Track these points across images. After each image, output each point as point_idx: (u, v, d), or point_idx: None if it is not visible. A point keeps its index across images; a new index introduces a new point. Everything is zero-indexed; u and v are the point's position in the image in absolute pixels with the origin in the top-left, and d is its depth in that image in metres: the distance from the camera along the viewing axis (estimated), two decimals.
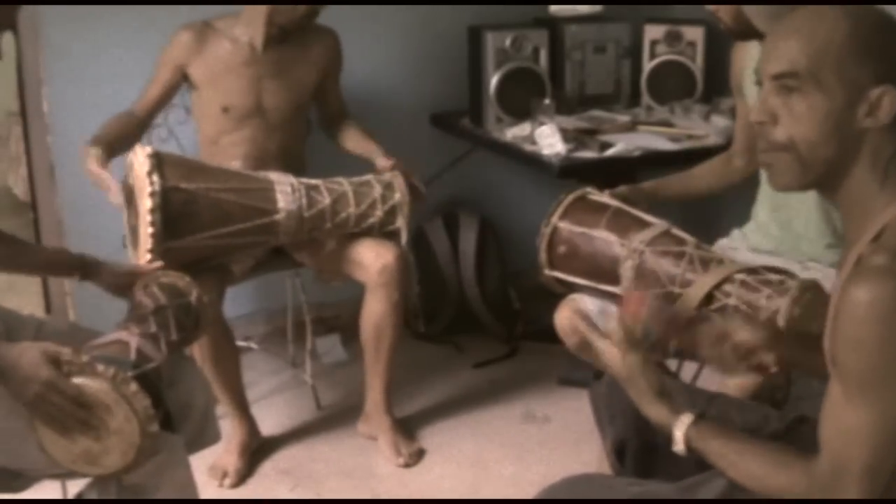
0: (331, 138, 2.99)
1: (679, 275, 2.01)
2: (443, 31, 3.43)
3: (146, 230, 2.30)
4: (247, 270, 2.75)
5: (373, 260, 2.64)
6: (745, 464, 1.33)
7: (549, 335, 2.36)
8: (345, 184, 2.63)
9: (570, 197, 2.21)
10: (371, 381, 2.80)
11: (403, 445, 2.78)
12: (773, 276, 1.93)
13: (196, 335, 2.06)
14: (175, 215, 2.36)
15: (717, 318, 1.64)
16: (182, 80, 2.77)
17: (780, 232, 2.33)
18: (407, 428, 2.89)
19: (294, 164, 2.82)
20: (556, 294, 2.29)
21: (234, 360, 2.71)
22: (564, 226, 2.16)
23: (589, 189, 2.25)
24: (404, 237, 2.68)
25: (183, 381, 1.97)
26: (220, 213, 2.44)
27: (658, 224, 2.10)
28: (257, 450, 2.80)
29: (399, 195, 2.65)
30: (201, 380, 2.11)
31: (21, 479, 1.81)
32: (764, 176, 2.20)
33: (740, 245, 2.42)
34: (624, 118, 3.22)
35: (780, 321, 1.85)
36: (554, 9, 3.40)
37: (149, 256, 2.31)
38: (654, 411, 1.44)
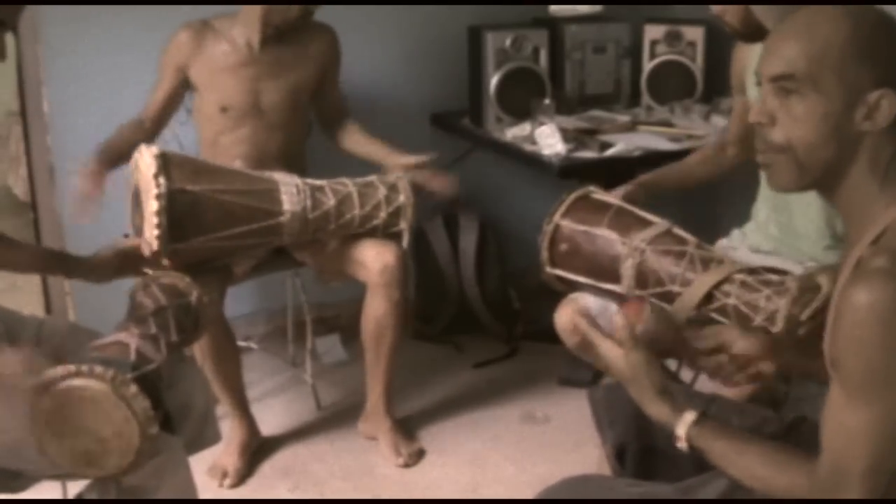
0: (330, 139, 2.98)
1: (679, 274, 2.01)
2: (443, 31, 3.42)
3: (152, 232, 2.30)
4: (248, 270, 2.75)
5: (374, 260, 2.64)
6: (747, 463, 1.33)
7: (549, 335, 2.36)
8: (349, 185, 2.63)
9: (573, 195, 2.21)
10: (371, 381, 2.80)
11: (403, 445, 2.78)
12: (773, 277, 1.93)
13: (196, 336, 2.06)
14: (181, 217, 2.35)
15: (714, 329, 1.64)
16: (185, 81, 2.76)
17: (779, 232, 2.33)
18: (407, 428, 2.89)
19: (294, 164, 2.82)
20: (556, 294, 2.29)
21: (235, 360, 2.71)
22: (566, 224, 2.16)
23: (592, 188, 2.25)
24: (406, 239, 2.68)
25: (183, 381, 1.97)
26: (226, 214, 2.43)
27: (660, 223, 2.10)
28: (257, 450, 2.80)
29: (403, 197, 2.64)
30: (201, 380, 2.11)
31: (21, 479, 1.81)
32: (764, 176, 2.20)
33: (740, 245, 2.42)
34: (624, 118, 3.22)
35: (780, 321, 1.85)
36: (554, 9, 3.40)
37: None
38: (657, 410, 1.44)
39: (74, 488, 1.93)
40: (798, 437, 1.57)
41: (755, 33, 2.10)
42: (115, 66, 3.04)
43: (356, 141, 2.93)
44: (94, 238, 2.96)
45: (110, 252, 2.08)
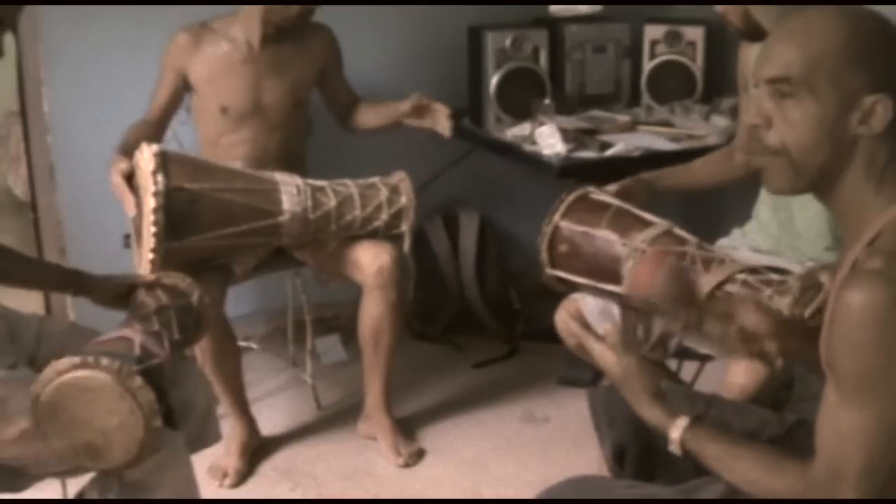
0: (346, 128, 2.99)
1: None
2: (443, 31, 3.43)
3: (149, 229, 2.30)
4: (248, 270, 2.75)
5: (370, 261, 2.64)
6: (741, 467, 1.33)
7: (549, 335, 2.36)
8: (351, 186, 2.63)
9: (572, 196, 2.21)
10: (370, 382, 2.80)
11: (403, 446, 2.78)
12: (775, 276, 1.93)
13: (197, 336, 2.06)
14: (178, 215, 2.35)
15: (729, 298, 1.62)
16: (185, 82, 2.77)
17: (780, 231, 2.33)
18: (407, 428, 2.89)
19: (294, 164, 2.82)
20: (556, 294, 2.29)
21: (236, 360, 2.71)
22: (566, 225, 2.16)
23: (591, 188, 2.25)
24: (408, 243, 2.68)
25: (184, 381, 1.96)
26: (224, 213, 2.44)
27: (660, 223, 2.10)
28: (257, 450, 2.80)
29: (405, 199, 2.64)
30: (202, 380, 2.11)
31: (22, 478, 1.81)
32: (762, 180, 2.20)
33: (741, 244, 2.41)
34: (624, 118, 3.22)
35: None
36: (554, 9, 3.40)
37: (151, 256, 2.30)
38: (650, 413, 1.44)
39: (74, 488, 1.93)
40: (798, 439, 1.57)
41: (758, 32, 2.10)
42: (115, 67, 3.04)
43: (366, 115, 2.93)
44: (94, 238, 2.98)
45: (119, 280, 2.07)
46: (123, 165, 2.49)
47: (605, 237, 2.10)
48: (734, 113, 2.64)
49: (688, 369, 2.61)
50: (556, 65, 3.32)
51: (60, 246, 3.12)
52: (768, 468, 1.31)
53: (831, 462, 1.22)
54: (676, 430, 1.39)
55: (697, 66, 3.34)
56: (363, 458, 2.79)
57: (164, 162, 2.36)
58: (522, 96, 3.18)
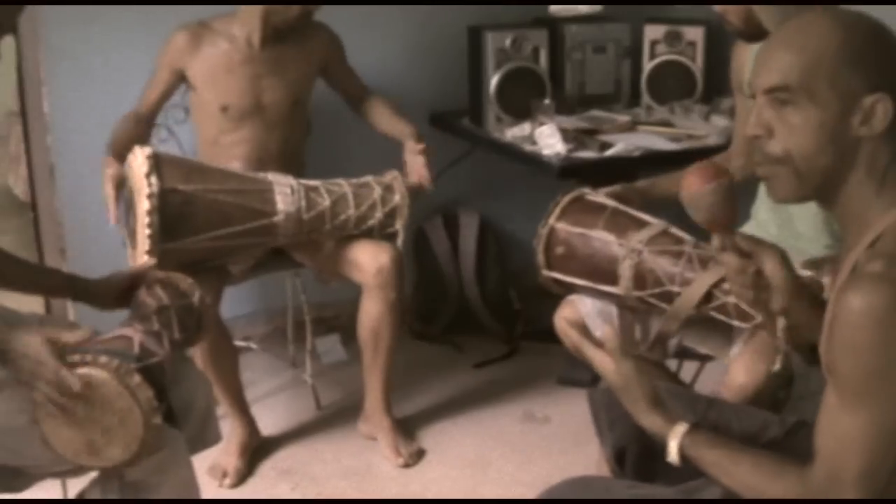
0: (357, 114, 3.01)
1: (678, 273, 2.01)
2: (443, 31, 3.43)
3: (143, 232, 2.30)
4: (246, 271, 2.76)
5: (369, 261, 2.64)
6: (740, 473, 1.33)
7: (549, 335, 2.36)
8: (344, 185, 2.63)
9: (568, 198, 2.21)
10: (369, 381, 2.80)
11: (403, 445, 2.78)
12: (778, 248, 1.93)
13: (198, 337, 2.06)
14: (173, 217, 2.36)
15: (759, 242, 1.57)
16: (180, 80, 2.77)
17: (779, 231, 2.33)
18: (407, 428, 2.89)
19: (293, 164, 2.83)
20: (556, 294, 2.29)
21: (233, 360, 2.72)
22: (562, 226, 2.16)
23: (586, 189, 2.25)
24: (401, 240, 2.68)
25: (184, 381, 1.97)
26: (218, 214, 2.44)
27: (656, 223, 2.10)
28: (257, 450, 2.80)
29: (399, 197, 2.65)
30: (203, 381, 2.11)
31: (22, 477, 1.81)
32: (765, 190, 2.20)
33: None
34: (624, 118, 3.22)
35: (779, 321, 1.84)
36: (554, 9, 3.40)
37: (146, 257, 2.31)
38: (649, 420, 1.44)
39: (75, 488, 1.93)
40: (798, 441, 1.56)
41: (757, 32, 2.10)
42: (115, 66, 3.04)
43: (382, 119, 2.94)
44: (94, 238, 2.98)
45: (116, 277, 2.07)
46: (112, 172, 2.51)
47: (602, 238, 2.10)
48: (734, 113, 2.64)
49: (688, 369, 2.61)
50: (556, 65, 3.32)
51: (60, 246, 3.12)
52: (767, 473, 1.31)
53: (831, 465, 1.22)
54: (675, 437, 1.39)
55: (697, 66, 3.34)
56: (363, 458, 2.79)
57: (157, 164, 2.36)
58: (522, 96, 3.18)
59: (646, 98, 3.39)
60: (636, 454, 1.65)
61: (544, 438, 2.89)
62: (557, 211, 2.18)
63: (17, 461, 1.76)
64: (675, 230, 2.10)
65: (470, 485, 2.67)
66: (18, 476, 1.80)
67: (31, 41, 2.98)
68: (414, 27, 3.44)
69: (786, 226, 2.31)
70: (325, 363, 3.31)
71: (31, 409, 1.65)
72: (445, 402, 3.09)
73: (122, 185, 2.52)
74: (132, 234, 2.42)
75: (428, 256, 3.48)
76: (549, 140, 2.94)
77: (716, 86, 3.29)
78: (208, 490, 2.57)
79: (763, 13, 2.06)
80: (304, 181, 2.60)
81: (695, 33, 3.34)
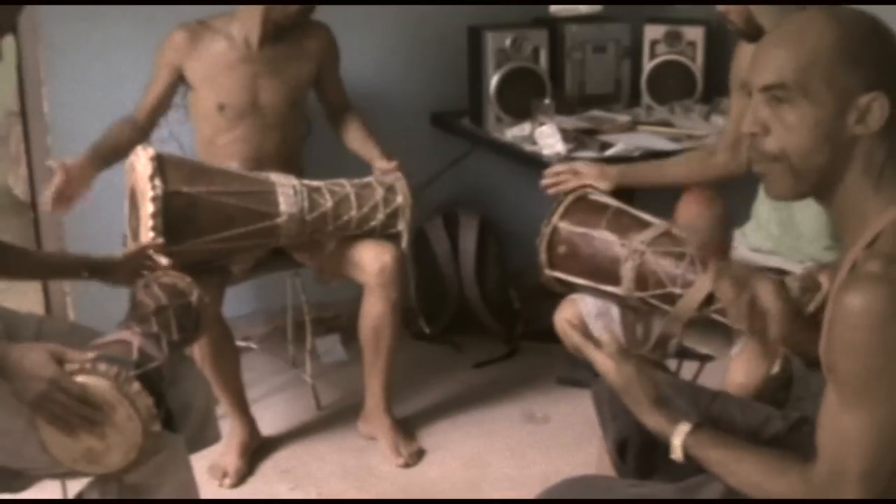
0: (334, 130, 2.98)
1: (680, 275, 2.01)
2: (443, 31, 3.43)
3: (147, 234, 2.30)
4: (247, 271, 2.75)
5: (371, 261, 2.64)
6: (743, 471, 1.34)
7: (549, 335, 2.36)
8: (347, 186, 2.63)
9: (571, 197, 2.21)
10: (370, 381, 2.80)
11: (403, 445, 2.78)
12: (773, 276, 1.93)
13: (197, 336, 2.06)
14: (176, 219, 2.35)
15: (754, 271, 1.59)
16: (179, 80, 2.76)
17: (779, 231, 2.33)
18: (407, 428, 2.89)
19: (291, 163, 2.82)
20: (556, 294, 2.29)
21: (234, 360, 2.72)
22: (564, 226, 2.16)
23: (589, 189, 2.25)
24: (405, 241, 2.68)
25: (183, 381, 1.97)
26: (222, 216, 2.44)
27: (658, 224, 2.10)
28: (257, 450, 2.80)
29: (401, 198, 2.65)
30: (202, 380, 2.11)
31: (21, 478, 1.81)
32: (762, 187, 2.20)
33: (740, 245, 2.41)
34: (624, 118, 3.22)
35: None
36: (554, 9, 3.40)
37: (151, 234, 2.29)
38: (652, 420, 1.44)
39: (74, 488, 1.93)
40: (801, 437, 1.57)
41: (759, 32, 2.10)
42: (115, 66, 3.04)
43: (353, 138, 2.92)
44: (94, 238, 2.97)
45: (126, 254, 2.08)
46: (81, 164, 2.49)
47: (604, 238, 2.10)
48: None
49: (688, 369, 2.62)
50: (556, 65, 3.32)
51: (60, 246, 3.11)
52: (770, 471, 1.31)
53: (832, 464, 1.22)
54: (678, 436, 1.40)
55: (697, 66, 3.34)
56: (363, 458, 2.79)
57: (161, 166, 2.35)
58: (522, 96, 3.18)
59: (646, 98, 3.39)
60: (638, 446, 1.66)
61: (544, 438, 2.89)
62: (561, 210, 2.18)
63: (17, 463, 1.76)
64: (677, 231, 2.10)
65: (470, 485, 2.67)
66: (18, 476, 1.80)
67: (31, 41, 2.98)
68: (414, 27, 3.44)
69: (786, 225, 2.31)
70: (325, 363, 3.31)
71: (28, 413, 1.65)
72: (445, 402, 3.09)
73: (84, 185, 2.49)
74: (134, 235, 2.42)
75: (428, 256, 3.48)
76: (549, 140, 2.94)
77: (716, 86, 3.29)
78: (208, 490, 2.57)
79: (762, 13, 2.06)
80: (306, 182, 2.60)
81: (695, 33, 3.34)
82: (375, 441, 2.82)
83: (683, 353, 2.39)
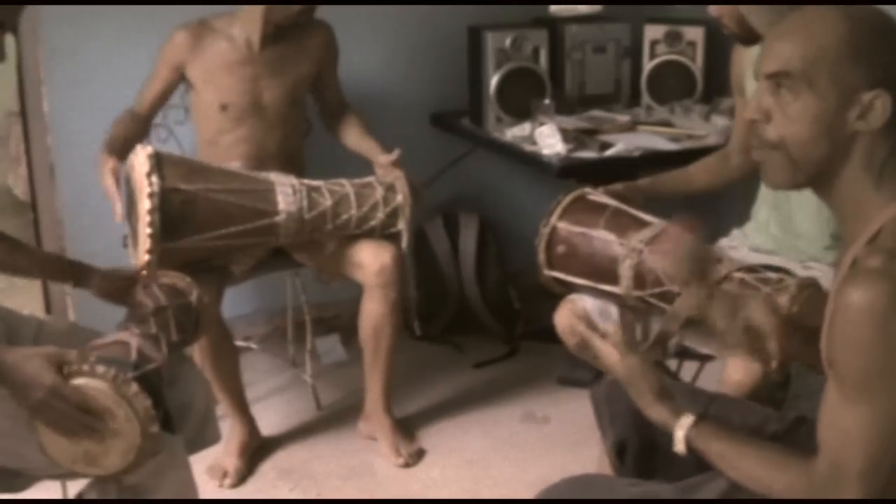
0: (331, 131, 2.98)
1: None
2: (443, 31, 3.43)
3: (144, 231, 2.30)
4: (247, 271, 2.75)
5: (371, 261, 2.64)
6: (746, 464, 1.34)
7: (549, 335, 2.36)
8: (346, 185, 2.63)
9: (569, 197, 2.21)
10: (370, 381, 2.80)
11: (403, 445, 2.78)
12: (772, 275, 1.93)
13: (196, 336, 2.06)
14: (174, 216, 2.36)
15: (742, 291, 1.61)
16: (180, 79, 2.77)
17: (779, 231, 2.33)
18: (407, 428, 2.89)
19: (292, 163, 2.82)
20: (556, 294, 2.29)
21: (234, 360, 2.72)
22: (563, 226, 2.16)
23: (588, 189, 2.25)
24: (405, 240, 2.68)
25: (183, 381, 1.97)
26: (220, 214, 2.44)
27: (657, 223, 2.10)
28: (257, 450, 2.80)
29: (401, 197, 2.65)
30: (201, 380, 2.11)
31: (21, 478, 1.81)
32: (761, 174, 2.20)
33: (740, 245, 2.41)
34: (624, 118, 3.22)
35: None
36: (554, 9, 3.40)
37: (146, 258, 2.30)
38: (655, 412, 1.44)
39: (74, 488, 1.93)
40: (798, 437, 1.57)
41: (753, 35, 2.11)
42: (116, 67, 3.04)
43: (352, 137, 2.92)
44: (94, 238, 2.97)
45: (117, 275, 2.07)
46: (111, 166, 2.51)
47: (603, 237, 2.10)
48: (734, 113, 2.64)
49: (688, 369, 2.61)
50: (556, 65, 3.32)
51: (60, 246, 3.12)
52: (772, 466, 1.31)
53: (833, 460, 1.22)
54: (681, 428, 1.40)
55: (697, 66, 3.34)
56: (363, 458, 2.79)
57: (159, 163, 2.36)
58: (522, 96, 3.18)
59: (646, 98, 3.39)
60: (637, 448, 1.66)
61: (544, 438, 2.89)
62: (559, 210, 2.18)
63: (16, 463, 1.76)
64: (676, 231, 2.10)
65: (470, 485, 2.67)
66: (18, 476, 1.80)
67: (31, 41, 2.98)
68: (414, 27, 3.43)
69: (786, 225, 2.31)
70: (325, 363, 3.31)
71: (27, 415, 1.65)
72: (445, 402, 3.09)
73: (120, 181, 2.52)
74: (133, 233, 2.42)
75: (428, 256, 3.48)
76: (549, 140, 2.94)
77: (716, 86, 3.29)
78: (208, 490, 2.57)
79: (753, 14, 2.06)
80: (306, 181, 2.60)
81: (695, 33, 3.34)
82: (375, 441, 2.82)
83: (684, 353, 2.38)
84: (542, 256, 2.19)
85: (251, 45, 2.73)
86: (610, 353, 1.51)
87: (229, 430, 2.68)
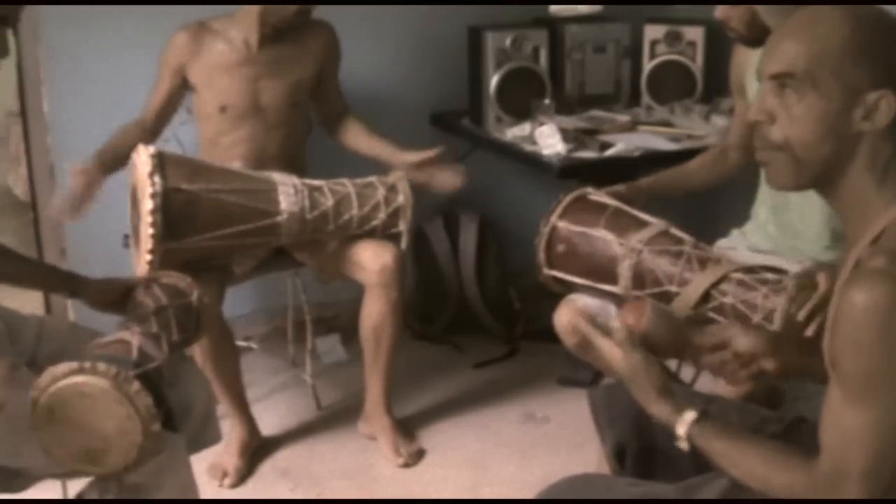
0: (332, 135, 2.98)
1: (677, 274, 2.02)
2: (443, 31, 3.43)
3: (146, 231, 2.31)
4: (248, 270, 2.75)
5: (372, 260, 2.64)
6: (747, 463, 1.33)
7: (549, 335, 2.36)
8: (348, 185, 2.63)
9: (570, 196, 2.21)
10: (370, 381, 2.80)
11: (403, 445, 2.78)
12: (770, 275, 1.93)
13: (197, 336, 2.06)
14: (176, 216, 2.36)
15: (716, 326, 1.63)
16: (184, 83, 2.77)
17: (779, 232, 2.33)
18: (407, 428, 2.89)
19: (293, 163, 2.82)
20: (556, 294, 2.29)
21: (234, 360, 2.72)
22: (563, 225, 2.16)
23: (589, 189, 2.26)
24: (405, 241, 2.68)
25: (183, 381, 1.96)
26: (222, 214, 2.44)
27: (656, 224, 2.11)
28: (257, 450, 2.80)
29: (402, 198, 2.65)
30: (202, 380, 2.11)
31: (21, 478, 1.81)
32: (764, 175, 2.20)
33: (740, 245, 2.42)
34: (624, 118, 3.22)
35: (777, 320, 1.85)
36: (554, 9, 3.41)
37: (148, 258, 2.30)
38: (658, 409, 1.44)
39: (74, 488, 1.93)
40: (798, 436, 1.57)
41: (761, 37, 2.10)
42: (116, 66, 3.04)
43: (359, 138, 2.92)
44: (94, 238, 2.98)
45: (114, 284, 2.06)
46: (89, 170, 2.51)
47: (603, 237, 2.10)
48: (734, 113, 2.65)
49: (687, 369, 2.61)
50: (556, 65, 3.32)
51: (60, 246, 3.12)
52: (774, 465, 1.31)
53: (836, 460, 1.22)
54: (683, 426, 1.40)
55: (697, 66, 3.34)
56: (363, 458, 2.79)
57: (161, 163, 2.36)
58: (522, 96, 3.18)
59: (646, 98, 3.39)
60: (636, 452, 1.66)
61: (544, 438, 2.89)
62: (559, 209, 2.18)
63: (16, 463, 1.76)
64: (674, 230, 2.10)
65: (470, 485, 2.67)
66: (18, 476, 1.80)
67: (31, 41, 2.98)
68: (414, 27, 3.44)
69: (785, 226, 2.31)
70: (325, 363, 3.31)
71: (27, 414, 1.65)
72: (445, 402, 3.09)
73: (95, 190, 2.51)
74: (135, 232, 2.42)
75: (428, 256, 3.48)
76: (549, 140, 2.94)
77: (716, 86, 3.29)
78: (208, 490, 2.57)
79: (767, 14, 2.06)
80: (307, 181, 2.60)
81: (695, 33, 3.34)
82: (375, 441, 2.82)
83: (683, 359, 2.38)
84: (541, 255, 2.20)
85: (249, 47, 2.73)
86: (612, 351, 1.50)
87: (229, 429, 2.68)
